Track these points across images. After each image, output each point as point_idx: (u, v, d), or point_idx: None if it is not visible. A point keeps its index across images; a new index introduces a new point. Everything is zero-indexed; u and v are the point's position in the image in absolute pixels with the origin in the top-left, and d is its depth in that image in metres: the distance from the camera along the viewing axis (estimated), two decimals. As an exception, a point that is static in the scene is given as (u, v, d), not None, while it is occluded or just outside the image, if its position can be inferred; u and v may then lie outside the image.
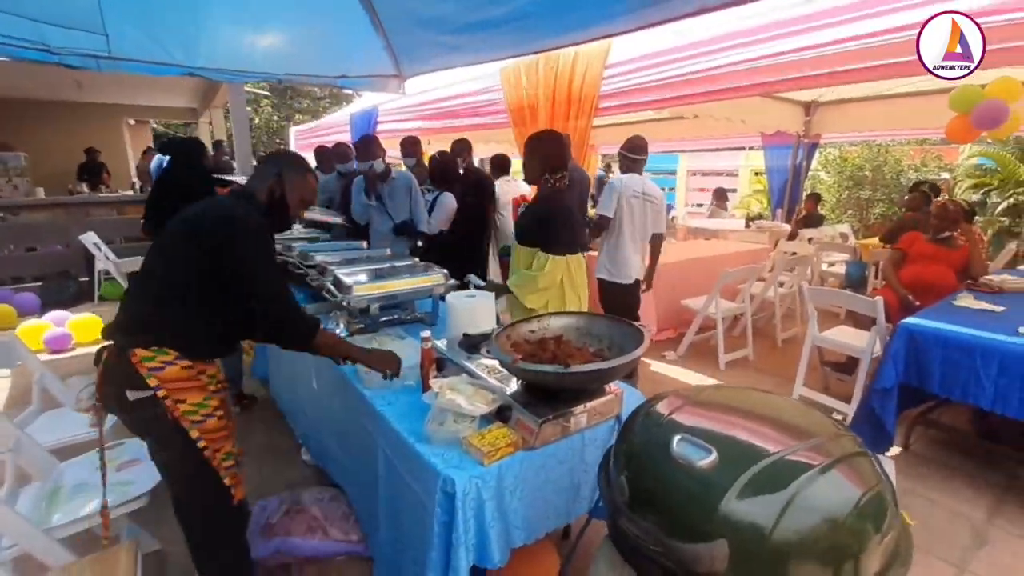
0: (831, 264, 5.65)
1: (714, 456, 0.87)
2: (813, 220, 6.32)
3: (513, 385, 1.53)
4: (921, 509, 2.23)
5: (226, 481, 1.39)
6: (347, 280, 2.10)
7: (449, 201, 3.79)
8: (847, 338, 3.06)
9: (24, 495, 1.62)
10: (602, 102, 3.75)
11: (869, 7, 2.27)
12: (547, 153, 2.17)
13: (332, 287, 2.17)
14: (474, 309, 1.94)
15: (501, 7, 2.65)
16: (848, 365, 3.29)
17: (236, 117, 6.81)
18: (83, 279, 5.72)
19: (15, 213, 6.51)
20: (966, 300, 2.70)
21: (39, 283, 5.52)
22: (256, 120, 18.82)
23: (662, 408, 1.08)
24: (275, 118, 19.32)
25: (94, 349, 1.41)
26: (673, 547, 0.81)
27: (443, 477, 1.23)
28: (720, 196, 8.17)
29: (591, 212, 4.52)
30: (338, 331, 2.12)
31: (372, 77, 4.71)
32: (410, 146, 4.11)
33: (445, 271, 2.36)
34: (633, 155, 3.23)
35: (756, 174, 11.08)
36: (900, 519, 0.92)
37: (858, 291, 4.34)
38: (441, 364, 1.73)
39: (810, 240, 5.59)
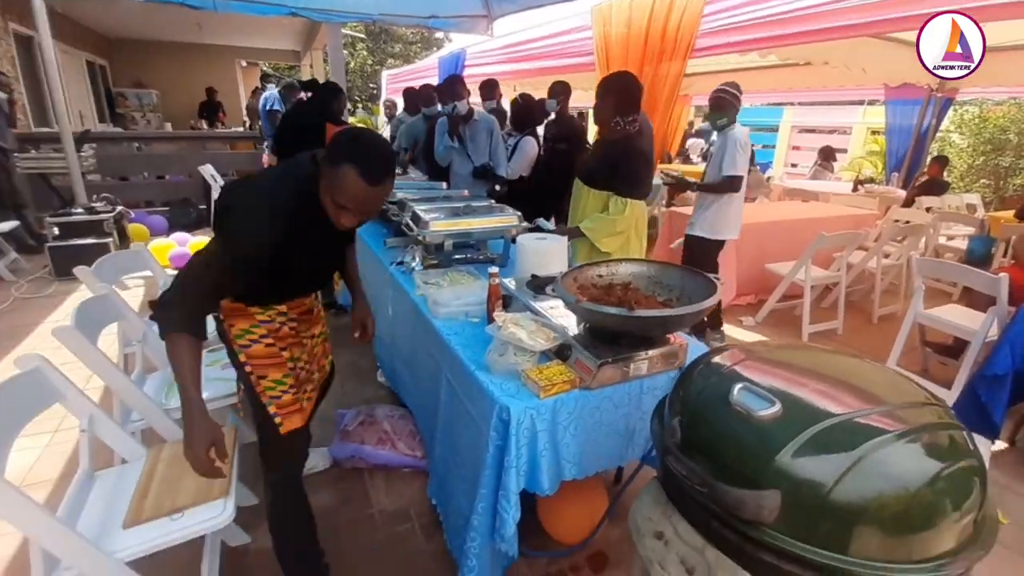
0: (951, 238, 5.00)
1: (777, 407, 0.84)
2: (936, 187, 5.54)
3: (576, 328, 1.54)
4: (1019, 507, 2.02)
5: (270, 409, 1.36)
6: (424, 216, 2.17)
7: (530, 147, 3.73)
8: (957, 317, 2.73)
9: (150, 380, 1.90)
10: (700, 41, 3.44)
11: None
12: (619, 95, 2.08)
13: (410, 222, 2.26)
14: (544, 251, 1.96)
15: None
16: (954, 348, 2.96)
17: (333, 59, 7.03)
18: (202, 207, 6.37)
19: (148, 144, 7.29)
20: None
21: (166, 208, 6.22)
22: (352, 64, 19.35)
23: (724, 359, 1.04)
24: (369, 62, 19.74)
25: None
26: (719, 489, 0.80)
27: (500, 405, 1.29)
28: (826, 155, 7.38)
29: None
30: (414, 264, 2.22)
31: (461, 17, 4.67)
32: (488, 89, 4.04)
33: (519, 213, 2.37)
34: (740, 97, 3.01)
35: (873, 133, 9.84)
36: (987, 503, 0.84)
37: (982, 269, 3.82)
38: (507, 302, 1.77)
39: (928, 209, 4.94)
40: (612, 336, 1.44)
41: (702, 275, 1.49)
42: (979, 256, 4.40)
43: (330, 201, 1.19)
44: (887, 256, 4.11)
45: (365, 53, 19.81)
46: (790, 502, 0.77)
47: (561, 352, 1.44)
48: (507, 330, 1.42)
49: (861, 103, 10.49)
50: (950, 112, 6.76)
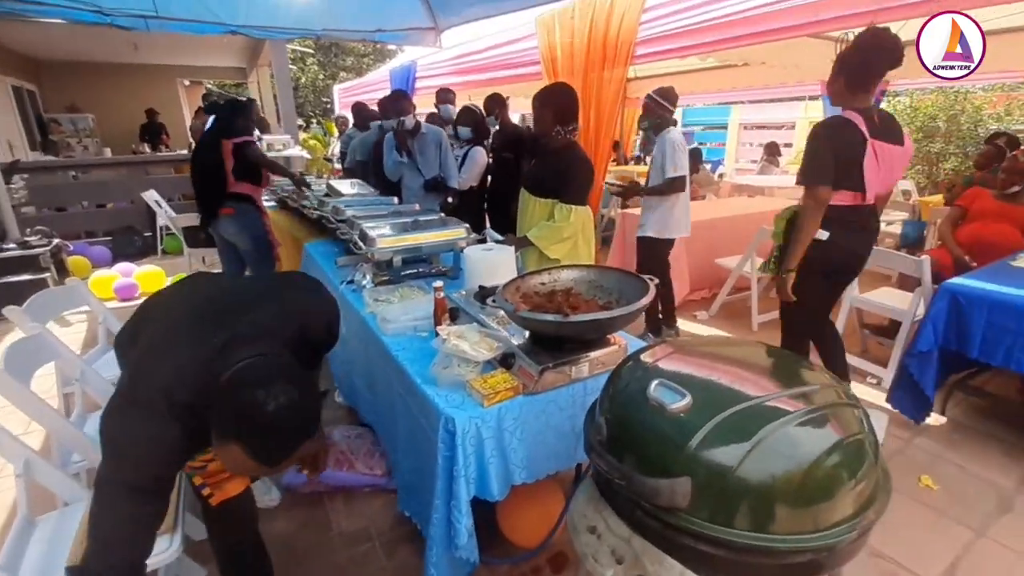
0: (888, 223, 5.30)
1: (687, 400, 0.89)
2: None
3: (522, 336, 1.58)
4: (947, 474, 2.16)
5: (195, 480, 1.27)
6: (371, 233, 2.18)
7: (480, 156, 3.78)
8: (889, 299, 2.92)
9: (92, 419, 1.84)
10: (639, 48, 3.57)
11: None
12: (559, 105, 2.15)
13: (359, 240, 2.27)
14: (491, 261, 2.00)
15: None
16: (890, 329, 3.14)
17: (279, 75, 6.95)
18: (147, 234, 6.16)
19: (86, 171, 7.00)
20: (1026, 261, 2.50)
21: (108, 237, 5.99)
22: (303, 79, 19.07)
23: (649, 355, 1.10)
24: (321, 76, 19.51)
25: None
26: (636, 480, 0.85)
27: (445, 416, 1.31)
28: (772, 150, 7.71)
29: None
30: (364, 282, 2.22)
31: (408, 30, 4.70)
32: (443, 94, 4.06)
33: (467, 225, 2.41)
34: (671, 105, 3.13)
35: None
36: (880, 468, 0.92)
37: (914, 253, 4.07)
38: (455, 314, 1.80)
39: (865, 197, 5.22)
40: (553, 342, 1.48)
41: (638, 277, 1.56)
42: (912, 240, 4.69)
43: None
44: (827, 244, 4.32)
45: (316, 68, 19.57)
46: (701, 487, 0.82)
47: (505, 360, 1.47)
48: (451, 343, 1.44)
49: (803, 99, 11.01)
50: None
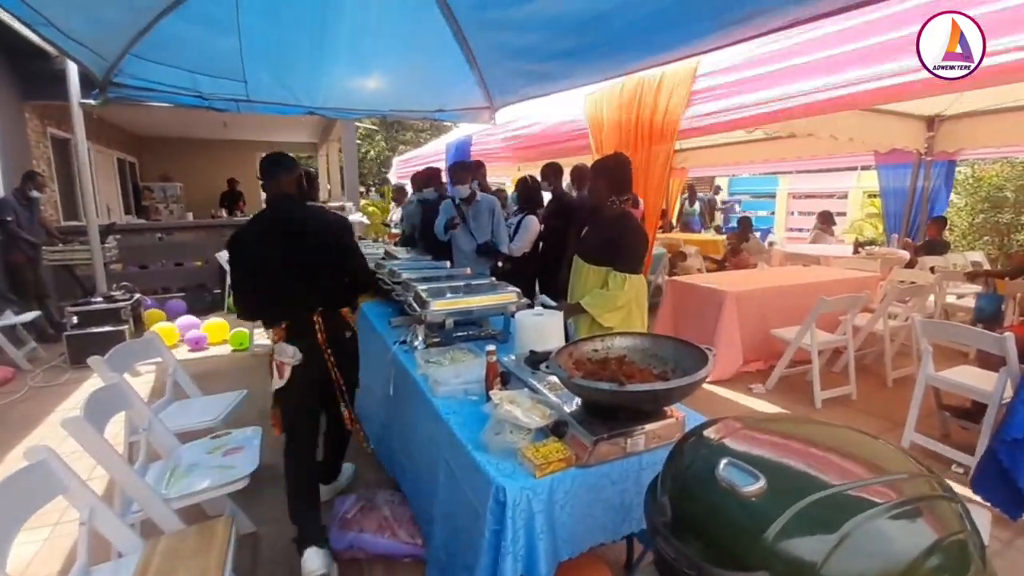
0: (960, 297, 4.98)
1: (762, 483, 0.84)
2: (937, 247, 5.61)
3: (573, 405, 1.55)
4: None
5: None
6: (426, 296, 2.25)
7: (533, 224, 3.90)
8: (970, 379, 2.68)
9: (152, 469, 1.90)
10: (686, 123, 3.67)
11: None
12: (611, 176, 2.22)
13: (413, 302, 2.34)
14: (542, 326, 2.00)
15: (590, 33, 2.75)
16: (974, 411, 2.87)
17: (347, 150, 7.57)
18: (216, 291, 6.59)
19: (170, 233, 7.67)
20: None
21: (182, 293, 6.44)
22: (371, 152, 20.63)
23: (714, 432, 1.05)
24: (384, 149, 21.04)
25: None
26: (707, 572, 0.78)
27: (496, 485, 1.28)
28: (825, 219, 7.53)
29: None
30: (416, 343, 2.27)
31: (466, 110, 5.03)
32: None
33: (518, 290, 2.44)
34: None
35: (870, 196, 10.08)
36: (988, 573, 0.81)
37: (991, 328, 3.78)
38: (506, 379, 1.79)
39: (932, 269, 4.96)
40: (607, 411, 1.44)
41: (695, 346, 1.52)
42: (988, 314, 4.36)
43: None
44: (894, 318, 4.09)
45: (381, 141, 21.16)
46: (780, 584, 0.75)
47: (557, 429, 1.44)
48: (503, 408, 1.43)
49: (855, 168, 10.85)
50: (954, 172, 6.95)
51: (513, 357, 1.96)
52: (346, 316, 2.18)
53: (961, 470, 2.57)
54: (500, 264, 3.64)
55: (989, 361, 2.86)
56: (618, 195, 2.23)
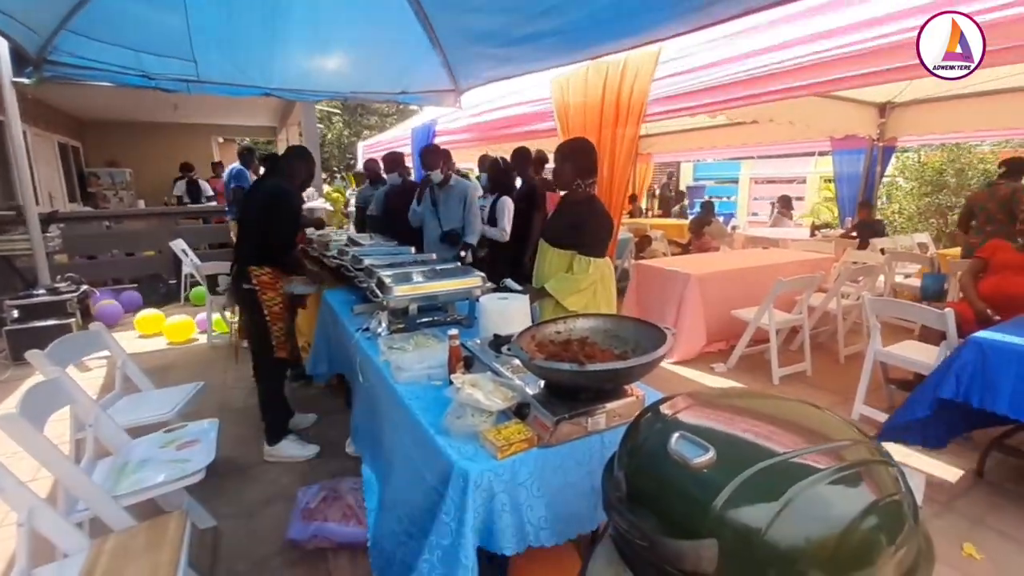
0: (907, 276, 5.22)
1: (711, 454, 0.85)
2: (868, 229, 5.85)
3: (537, 386, 1.55)
4: (992, 543, 2.01)
5: (273, 341, 2.57)
6: (388, 281, 2.21)
7: (509, 204, 3.82)
8: (914, 353, 2.83)
9: (101, 466, 1.82)
10: (651, 107, 3.70)
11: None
12: (579, 159, 2.21)
13: (375, 288, 2.29)
14: (506, 310, 1.99)
15: (552, 19, 2.73)
16: (916, 383, 3.02)
17: (308, 133, 7.33)
18: (172, 281, 6.33)
19: (119, 222, 7.30)
20: (1058, 315, 2.42)
21: (135, 284, 6.16)
22: (329, 136, 20.01)
23: (669, 407, 1.06)
24: (345, 133, 20.46)
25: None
26: (659, 542, 0.80)
27: (457, 468, 1.27)
28: (784, 203, 7.77)
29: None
30: (379, 330, 2.23)
31: (430, 92, 4.94)
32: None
33: (482, 274, 2.42)
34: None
35: (826, 181, 10.44)
36: (921, 533, 0.86)
37: (936, 306, 3.99)
38: (470, 363, 1.78)
39: (882, 251, 5.19)
40: (569, 392, 1.45)
41: (655, 326, 1.54)
42: (932, 293, 4.60)
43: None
44: (846, 297, 4.26)
45: (341, 126, 20.56)
46: (728, 550, 0.77)
47: (519, 411, 1.44)
48: (465, 391, 1.42)
49: (813, 154, 11.20)
50: (892, 159, 7.25)
51: (478, 341, 1.96)
52: (251, 272, 2.54)
53: (905, 439, 2.71)
54: (463, 254, 3.58)
55: (931, 336, 3.02)
56: (583, 179, 2.23)
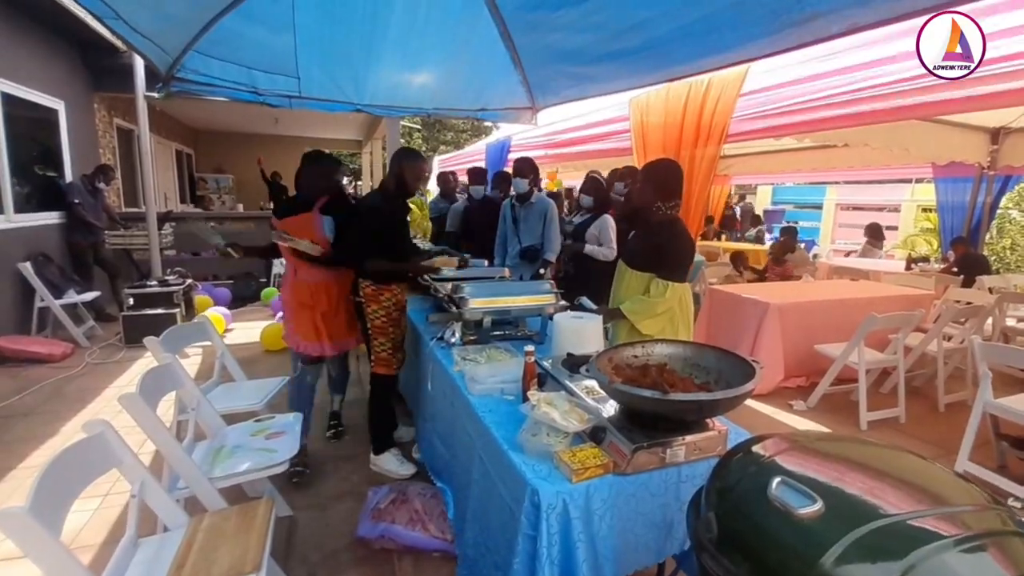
0: (1020, 320, 4.67)
1: (819, 505, 0.80)
2: (974, 264, 5.26)
3: (611, 410, 1.53)
4: None
5: (371, 355, 2.60)
6: (464, 293, 2.27)
7: (612, 222, 3.65)
8: (1035, 409, 2.51)
9: (199, 448, 1.98)
10: (734, 127, 3.58)
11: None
12: (660, 181, 2.17)
13: (451, 298, 2.36)
14: (580, 330, 1.98)
15: (637, 36, 2.70)
16: (1036, 443, 2.70)
17: (391, 148, 7.68)
18: (262, 279, 6.85)
19: (221, 223, 8.00)
20: None
21: (231, 281, 6.71)
22: (409, 150, 21.02)
23: (764, 449, 1.01)
24: (424, 148, 21.39)
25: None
26: (757, 592, 0.76)
27: (532, 487, 1.27)
28: (874, 233, 7.20)
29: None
30: (453, 340, 2.29)
31: (508, 109, 5.05)
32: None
33: (557, 291, 2.43)
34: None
35: (924, 210, 9.60)
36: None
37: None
38: (543, 380, 1.79)
39: (991, 290, 4.68)
40: (647, 419, 1.41)
41: (740, 357, 1.47)
42: (1055, 340, 4.08)
43: (415, 179, 2.55)
44: (948, 339, 3.88)
45: (421, 141, 21.50)
46: (836, 612, 0.71)
47: (595, 434, 1.42)
48: (540, 409, 1.42)
49: (909, 181, 10.35)
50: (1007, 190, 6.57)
51: (550, 359, 1.95)
52: (360, 284, 2.53)
53: (1019, 504, 2.40)
54: (542, 272, 3.56)
55: (1056, 390, 2.68)
56: (665, 201, 2.18)
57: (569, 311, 2.21)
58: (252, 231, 7.41)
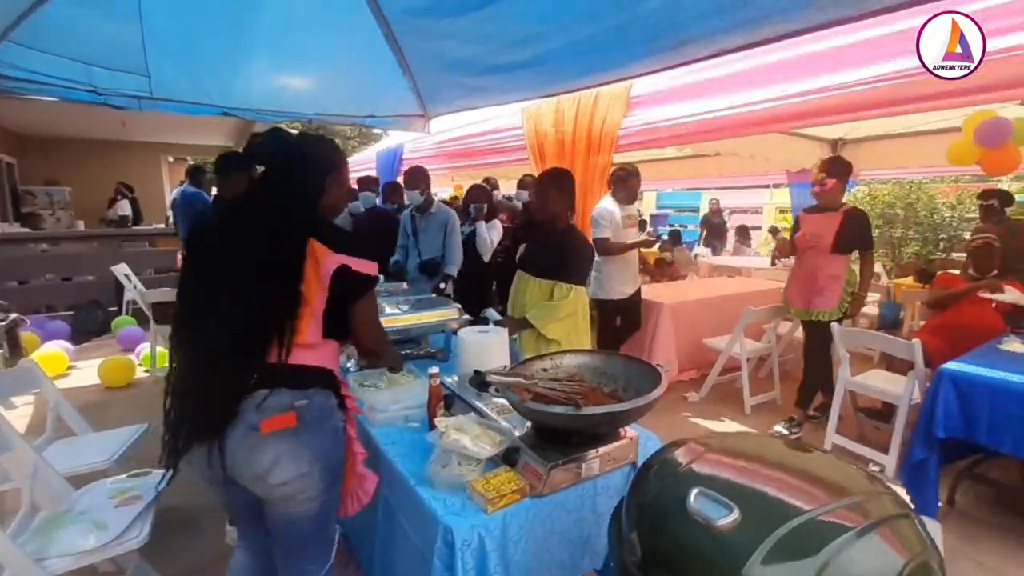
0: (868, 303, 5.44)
1: (736, 515, 0.79)
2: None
3: (523, 428, 1.46)
4: (969, 573, 2.02)
5: None
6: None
7: (498, 225, 3.70)
8: (882, 382, 2.89)
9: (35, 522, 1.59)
10: (622, 140, 3.76)
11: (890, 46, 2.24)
12: (566, 188, 2.19)
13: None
14: (486, 345, 1.90)
15: (526, 50, 2.71)
16: (884, 412, 3.10)
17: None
18: (112, 309, 5.89)
19: (55, 244, 6.80)
20: (1013, 345, 2.53)
21: (71, 311, 5.70)
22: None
23: (680, 456, 1.00)
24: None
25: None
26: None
27: (443, 526, 1.16)
28: (742, 233, 8.04)
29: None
30: (348, 364, 2.09)
31: (398, 116, 4.85)
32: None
33: (458, 306, 2.33)
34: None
35: (781, 212, 10.94)
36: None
37: (892, 333, 4.15)
38: (450, 402, 1.68)
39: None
40: (561, 435, 1.37)
41: (646, 364, 1.49)
42: (889, 321, 4.80)
43: None
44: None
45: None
46: (765, 625, 0.70)
47: (508, 456, 1.34)
48: (450, 437, 1.32)
49: (767, 186, 11.75)
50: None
51: (456, 378, 1.85)
52: None
53: (878, 468, 2.74)
54: (442, 286, 3.44)
55: (893, 365, 3.11)
56: (569, 208, 2.21)
57: (474, 325, 2.13)
58: (96, 251, 6.41)
